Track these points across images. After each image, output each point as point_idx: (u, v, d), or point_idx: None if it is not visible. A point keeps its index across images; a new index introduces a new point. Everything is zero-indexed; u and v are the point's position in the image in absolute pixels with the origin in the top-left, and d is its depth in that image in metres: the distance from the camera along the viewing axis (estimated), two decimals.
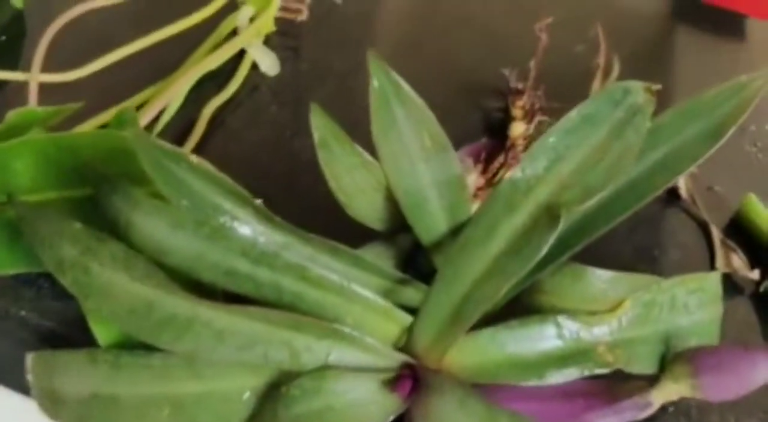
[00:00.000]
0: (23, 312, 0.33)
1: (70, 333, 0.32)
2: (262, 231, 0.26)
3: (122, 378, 0.29)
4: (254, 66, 0.44)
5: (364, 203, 0.30)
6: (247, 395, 0.29)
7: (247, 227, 0.26)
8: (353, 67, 0.44)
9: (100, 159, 0.29)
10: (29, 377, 0.32)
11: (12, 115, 0.30)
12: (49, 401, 0.31)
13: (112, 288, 0.27)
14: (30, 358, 0.32)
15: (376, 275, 0.28)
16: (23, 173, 0.30)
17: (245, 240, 0.26)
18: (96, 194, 0.28)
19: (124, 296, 0.27)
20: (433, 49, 0.47)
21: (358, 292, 0.27)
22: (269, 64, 0.45)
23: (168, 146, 0.26)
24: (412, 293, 0.29)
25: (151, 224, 0.26)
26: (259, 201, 0.27)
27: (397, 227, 0.30)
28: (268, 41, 0.46)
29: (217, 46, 0.44)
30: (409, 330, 0.28)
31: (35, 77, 0.34)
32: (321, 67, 0.45)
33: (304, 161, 0.39)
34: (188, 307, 0.27)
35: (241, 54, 0.44)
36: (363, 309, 0.27)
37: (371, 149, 0.31)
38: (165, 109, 0.40)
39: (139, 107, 0.39)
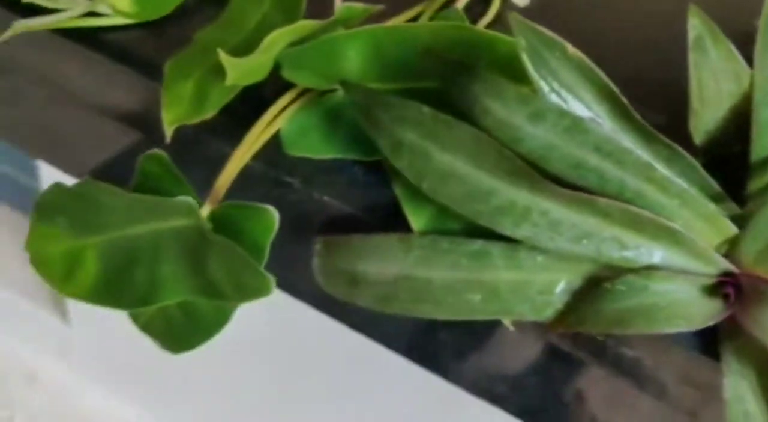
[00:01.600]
0: (326, 197, 0.35)
1: (374, 221, 0.34)
2: (618, 128, 0.27)
3: (438, 261, 0.31)
4: None
5: (711, 115, 0.30)
6: (560, 287, 0.30)
7: (606, 122, 0.27)
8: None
9: (442, 49, 0.30)
10: (314, 261, 0.35)
11: (341, 8, 0.31)
12: (346, 282, 0.34)
13: (452, 173, 0.29)
14: (319, 242, 0.35)
15: (704, 185, 0.29)
16: (354, 62, 0.32)
17: (601, 135, 0.27)
18: (444, 84, 0.29)
19: (464, 181, 0.29)
20: None
21: (695, 197, 0.28)
22: None
23: (547, 32, 0.27)
24: (734, 208, 0.29)
25: (510, 112, 0.27)
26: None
27: (722, 148, 0.31)
28: None
29: None
30: (734, 241, 0.29)
31: None
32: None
33: None
34: (527, 196, 0.28)
35: None
36: (693, 215, 0.28)
37: None
38: None
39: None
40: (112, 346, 0.98)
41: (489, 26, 0.42)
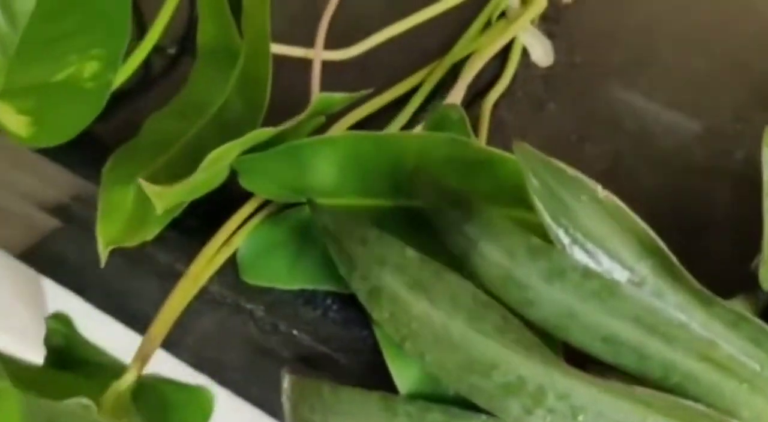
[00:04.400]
0: (296, 331, 0.29)
1: (350, 364, 0.28)
2: (663, 292, 0.21)
3: None
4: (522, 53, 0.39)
5: None
6: None
7: (648, 286, 0.21)
8: (634, 61, 0.38)
9: (434, 167, 0.24)
10: (284, 401, 0.29)
11: (317, 100, 0.25)
12: None
13: (444, 336, 0.22)
14: (288, 380, 0.29)
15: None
16: (327, 173, 0.25)
17: (642, 303, 0.20)
18: (429, 210, 0.23)
19: (459, 347, 0.22)
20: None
21: None
22: (542, 52, 0.39)
23: (569, 170, 0.21)
24: None
25: (518, 266, 0.20)
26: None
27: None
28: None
29: (483, 29, 0.40)
30: None
31: (319, 54, 0.30)
32: (597, 60, 0.38)
33: (597, 171, 0.34)
34: (542, 372, 0.22)
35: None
36: (766, 402, 0.21)
37: None
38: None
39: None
40: None
41: (501, 99, 0.37)
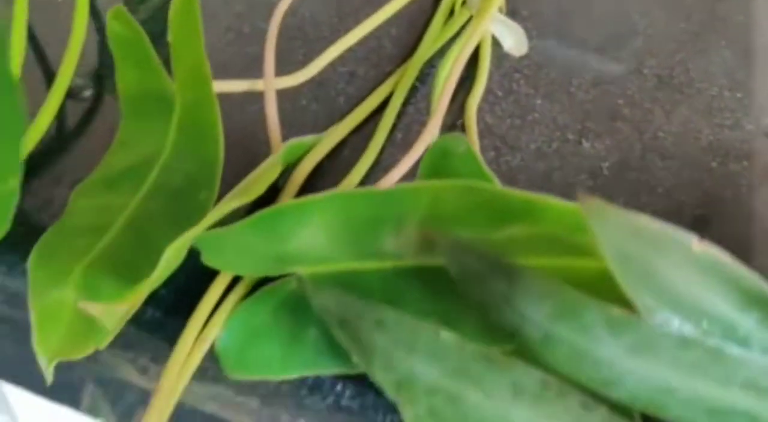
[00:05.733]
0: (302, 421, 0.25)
1: None
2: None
3: None
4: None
5: None
6: None
7: (755, 341, 0.17)
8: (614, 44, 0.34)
9: (448, 224, 0.19)
10: None
11: (286, 149, 0.20)
12: None
13: None
14: None
15: None
16: (313, 240, 0.20)
17: (750, 364, 0.17)
18: (462, 283, 0.18)
19: None
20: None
21: None
22: (514, 41, 0.35)
23: (653, 225, 0.16)
24: None
25: (596, 344, 0.16)
26: None
27: None
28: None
29: (445, 24, 0.35)
30: None
31: (270, 84, 0.25)
32: (574, 45, 0.34)
33: (608, 177, 0.29)
34: None
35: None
36: None
37: None
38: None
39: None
40: None
41: (483, 103, 0.31)
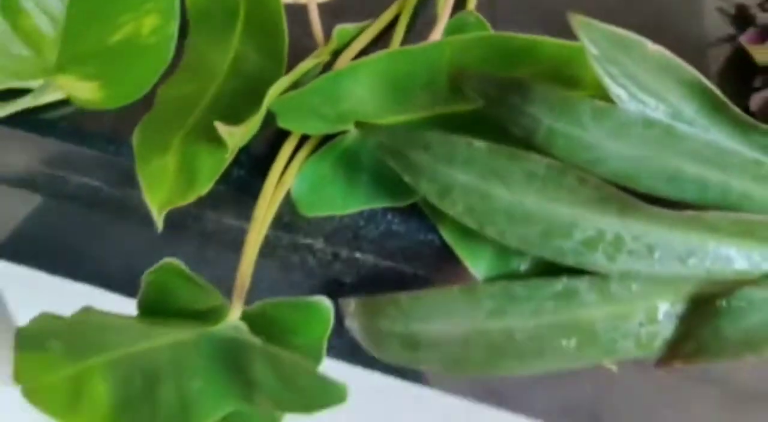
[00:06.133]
0: (358, 254, 0.30)
1: (421, 276, 0.30)
2: (713, 126, 0.23)
3: (516, 310, 0.27)
4: None
5: None
6: (663, 314, 0.26)
7: (700, 123, 0.23)
8: None
9: (473, 67, 0.25)
10: (351, 324, 0.31)
11: (337, 32, 0.26)
12: (402, 346, 0.29)
13: (523, 212, 0.24)
14: (354, 303, 0.30)
15: None
16: (362, 98, 0.26)
17: (698, 140, 0.23)
18: (491, 108, 0.24)
19: (539, 218, 0.24)
20: None
21: None
22: None
23: (620, 31, 0.22)
24: None
25: (585, 130, 0.23)
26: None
27: None
28: None
29: None
30: None
31: None
32: None
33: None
34: (617, 222, 0.24)
35: None
36: None
37: None
38: None
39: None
40: None
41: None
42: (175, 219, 0.30)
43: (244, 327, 0.25)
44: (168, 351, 0.27)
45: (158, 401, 0.28)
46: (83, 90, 0.25)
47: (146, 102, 0.31)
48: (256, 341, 0.24)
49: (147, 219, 0.31)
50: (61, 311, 0.30)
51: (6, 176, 0.32)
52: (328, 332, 0.25)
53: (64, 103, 0.30)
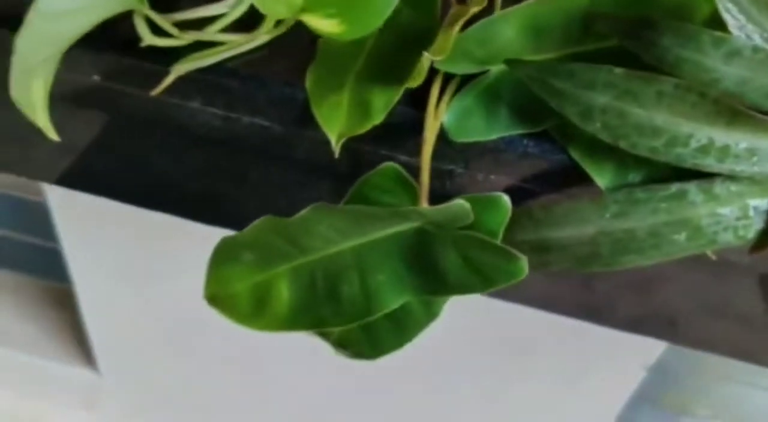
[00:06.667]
0: (492, 176, 0.36)
1: (542, 189, 0.36)
2: None
3: (637, 211, 0.33)
4: None
5: None
6: (753, 208, 0.32)
7: None
8: None
9: (610, 11, 0.31)
10: None
11: None
12: (532, 251, 0.35)
13: (651, 125, 0.31)
14: None
15: None
16: (509, 41, 0.33)
17: None
18: (626, 42, 0.30)
19: (664, 131, 0.31)
20: None
21: None
22: None
23: None
24: None
25: (705, 56, 0.29)
26: None
27: None
28: None
29: None
30: None
31: None
32: None
33: None
34: (724, 133, 0.30)
35: None
36: None
37: None
38: None
39: None
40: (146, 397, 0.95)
41: None
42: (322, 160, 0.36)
43: (433, 219, 0.30)
44: (352, 252, 0.33)
45: (341, 298, 0.33)
46: (325, 26, 0.31)
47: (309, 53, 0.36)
48: (449, 232, 0.30)
49: (295, 160, 0.37)
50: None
51: (183, 122, 0.37)
52: (506, 221, 0.31)
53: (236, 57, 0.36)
